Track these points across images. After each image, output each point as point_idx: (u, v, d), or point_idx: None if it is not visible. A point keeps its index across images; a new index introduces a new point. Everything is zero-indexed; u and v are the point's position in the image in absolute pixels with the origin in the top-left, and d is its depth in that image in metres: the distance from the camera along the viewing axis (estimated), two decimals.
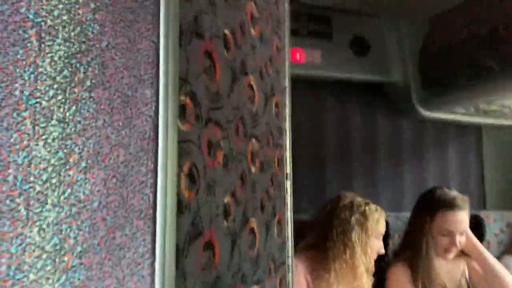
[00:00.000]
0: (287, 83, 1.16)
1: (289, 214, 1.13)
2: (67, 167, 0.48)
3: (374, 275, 1.75)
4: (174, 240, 0.54)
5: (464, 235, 1.79)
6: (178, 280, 0.55)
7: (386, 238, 2.10)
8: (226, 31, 0.75)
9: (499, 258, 2.07)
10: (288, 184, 1.14)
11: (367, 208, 1.60)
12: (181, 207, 0.56)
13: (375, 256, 1.62)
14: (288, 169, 1.15)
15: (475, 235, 2.28)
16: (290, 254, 1.12)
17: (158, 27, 0.52)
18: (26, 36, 0.47)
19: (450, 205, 1.77)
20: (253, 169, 0.87)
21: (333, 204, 1.65)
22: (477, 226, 2.26)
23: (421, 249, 1.80)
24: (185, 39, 0.58)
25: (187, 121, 0.58)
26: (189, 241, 0.59)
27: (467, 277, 1.88)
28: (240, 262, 0.78)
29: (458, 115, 2.46)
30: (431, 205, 1.81)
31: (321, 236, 1.60)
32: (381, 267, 1.83)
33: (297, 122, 2.36)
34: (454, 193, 1.81)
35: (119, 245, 0.49)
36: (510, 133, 2.74)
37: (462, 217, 1.76)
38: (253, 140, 0.87)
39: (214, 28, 0.69)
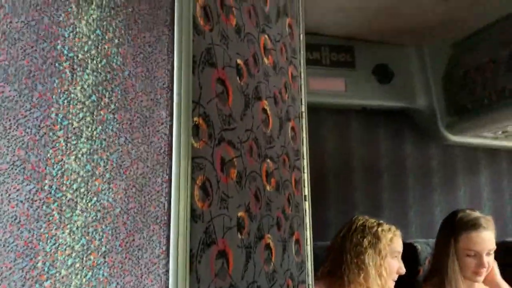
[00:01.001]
0: (304, 108, 1.22)
1: (308, 234, 1.17)
2: (94, 178, 0.55)
3: None
4: (188, 245, 0.60)
5: (491, 256, 1.75)
6: (192, 282, 0.61)
7: (416, 264, 2.08)
8: (239, 61, 0.83)
9: None
10: (307, 205, 1.19)
11: (379, 229, 1.60)
12: (194, 216, 0.63)
13: (394, 277, 1.60)
14: (306, 190, 1.20)
15: (510, 262, 2.22)
16: (310, 274, 1.16)
17: (173, 58, 0.61)
18: (61, 68, 0.56)
19: (474, 225, 1.75)
20: (268, 188, 0.92)
21: (346, 228, 1.66)
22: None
23: (447, 272, 1.77)
24: (198, 68, 0.66)
25: (200, 140, 0.65)
26: (202, 248, 0.65)
27: None
28: (255, 274, 0.83)
29: (487, 139, 2.44)
30: (454, 227, 1.79)
31: (337, 262, 1.60)
32: None
33: (325, 150, 2.41)
34: (476, 213, 1.79)
35: (138, 246, 0.56)
36: None
37: (487, 237, 1.73)
38: (268, 160, 0.94)
39: (227, 58, 0.77)
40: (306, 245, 1.16)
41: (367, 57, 2.35)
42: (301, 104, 1.21)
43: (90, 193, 0.55)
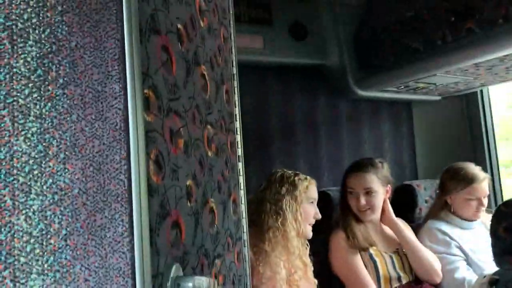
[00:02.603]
0: (235, 70, 1.22)
1: (242, 193, 1.21)
2: (47, 159, 0.52)
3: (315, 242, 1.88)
4: (148, 220, 0.60)
5: (372, 197, 2.00)
6: (152, 255, 0.61)
7: (330, 211, 2.25)
8: (179, 26, 0.80)
9: (425, 222, 2.29)
10: (240, 165, 1.22)
11: (296, 178, 1.74)
12: (151, 190, 0.62)
13: (311, 221, 1.76)
14: (240, 151, 1.22)
15: (408, 203, 2.50)
16: (245, 230, 1.21)
17: (122, 26, 0.57)
18: None
19: (353, 167, 2.07)
20: (209, 153, 0.93)
21: (266, 181, 1.78)
22: (409, 195, 2.48)
23: (343, 212, 2.06)
24: (145, 36, 0.63)
25: (151, 112, 0.63)
26: (159, 221, 0.65)
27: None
28: (202, 238, 0.85)
29: (391, 93, 2.64)
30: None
31: (258, 212, 1.71)
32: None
33: (244, 107, 2.44)
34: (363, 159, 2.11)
35: (100, 226, 0.54)
36: (437, 108, 2.97)
37: (363, 177, 2.00)
38: (208, 126, 0.94)
39: (169, 24, 0.74)
40: (241, 203, 1.20)
41: (284, 14, 2.37)
42: (232, 66, 1.21)
43: (44, 175, 0.52)
